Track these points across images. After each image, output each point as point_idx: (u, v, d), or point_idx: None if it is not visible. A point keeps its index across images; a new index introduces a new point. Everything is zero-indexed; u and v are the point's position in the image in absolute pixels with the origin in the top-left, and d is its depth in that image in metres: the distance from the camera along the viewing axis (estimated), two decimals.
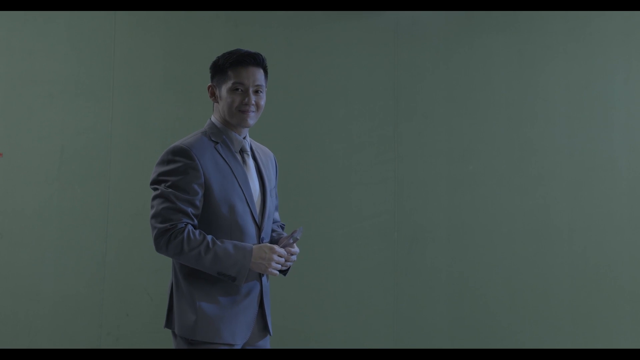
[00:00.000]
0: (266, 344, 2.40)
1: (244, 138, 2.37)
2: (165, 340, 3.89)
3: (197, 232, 2.19)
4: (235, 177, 2.28)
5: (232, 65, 2.29)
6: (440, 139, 4.03)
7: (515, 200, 3.98)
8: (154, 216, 2.20)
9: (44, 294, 3.90)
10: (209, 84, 2.37)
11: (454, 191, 4.01)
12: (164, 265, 3.95)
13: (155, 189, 2.23)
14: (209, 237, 2.19)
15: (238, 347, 2.25)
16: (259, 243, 2.32)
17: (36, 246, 3.91)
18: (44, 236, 3.92)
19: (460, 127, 4.03)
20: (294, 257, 2.33)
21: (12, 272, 3.89)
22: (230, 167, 2.28)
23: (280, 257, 2.25)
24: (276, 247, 2.25)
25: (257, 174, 2.39)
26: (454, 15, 4.06)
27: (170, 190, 2.18)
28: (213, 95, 2.35)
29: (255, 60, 2.32)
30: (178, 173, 2.20)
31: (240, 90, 2.29)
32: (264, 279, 2.35)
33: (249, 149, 2.38)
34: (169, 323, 2.27)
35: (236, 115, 2.29)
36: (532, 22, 4.04)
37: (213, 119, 2.37)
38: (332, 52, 4.06)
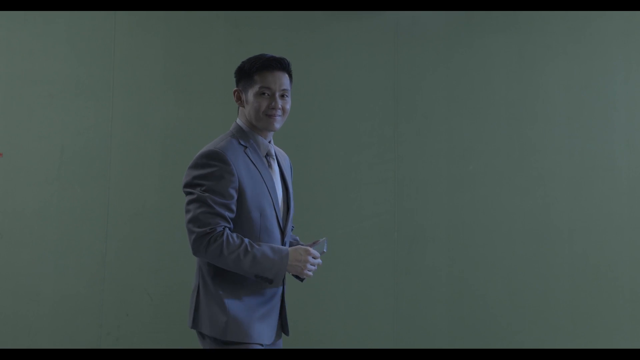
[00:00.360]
0: (280, 344, 2.44)
1: (269, 142, 2.39)
2: (166, 340, 3.90)
3: (234, 235, 2.21)
4: (264, 182, 2.31)
5: (258, 69, 2.31)
6: (440, 139, 4.03)
7: (515, 200, 3.98)
8: (191, 220, 2.20)
9: (44, 294, 3.90)
10: (235, 88, 2.37)
11: (454, 191, 4.01)
12: (164, 265, 3.95)
13: (190, 193, 2.24)
14: (247, 241, 2.21)
15: (266, 347, 2.29)
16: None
17: (36, 246, 3.91)
18: (44, 236, 3.92)
19: (460, 127, 4.03)
20: (315, 267, 2.36)
21: (12, 272, 3.89)
22: (259, 171, 2.31)
23: (315, 258, 2.28)
24: (311, 249, 2.27)
25: (280, 178, 2.42)
26: (454, 15, 4.06)
27: (206, 194, 2.20)
28: (239, 99, 2.36)
29: (280, 64, 2.33)
30: (214, 177, 2.21)
31: (266, 94, 2.31)
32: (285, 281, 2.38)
33: (273, 153, 2.41)
34: (195, 323, 2.28)
35: (263, 120, 2.31)
36: (532, 22, 4.04)
37: (239, 122, 2.38)
38: (332, 52, 4.06)
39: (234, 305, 2.24)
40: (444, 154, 4.02)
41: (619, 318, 3.91)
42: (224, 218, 2.21)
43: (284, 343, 3.92)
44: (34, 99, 3.97)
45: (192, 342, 3.91)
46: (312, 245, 2.37)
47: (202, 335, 2.28)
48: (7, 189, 3.92)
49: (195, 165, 2.25)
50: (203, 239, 2.18)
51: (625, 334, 3.91)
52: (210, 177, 2.21)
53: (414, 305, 3.96)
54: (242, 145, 2.31)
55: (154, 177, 3.98)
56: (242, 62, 2.36)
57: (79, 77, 3.99)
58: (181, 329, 3.92)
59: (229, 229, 2.23)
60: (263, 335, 2.26)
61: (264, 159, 2.36)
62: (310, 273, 2.28)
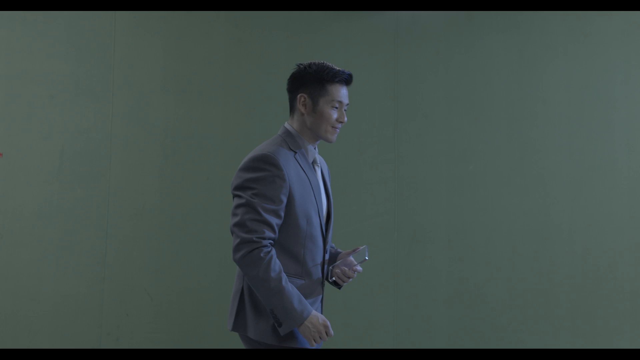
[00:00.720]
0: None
1: (315, 149, 2.39)
2: (166, 340, 3.89)
3: (277, 262, 2.16)
4: (312, 189, 2.30)
5: (331, 81, 2.31)
6: (440, 139, 4.03)
7: (515, 200, 3.98)
8: (237, 225, 2.17)
9: (44, 294, 3.90)
10: (301, 93, 2.33)
11: (454, 191, 4.01)
12: (164, 265, 3.95)
13: (239, 196, 2.21)
14: (284, 275, 2.17)
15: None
16: (324, 255, 2.35)
17: (36, 246, 3.91)
18: (44, 236, 3.92)
19: (460, 127, 4.03)
20: (355, 275, 2.37)
21: (12, 272, 3.89)
22: (308, 178, 2.30)
23: (328, 335, 2.23)
24: (329, 325, 2.23)
25: (323, 186, 2.42)
26: (454, 15, 4.06)
27: (256, 199, 2.17)
28: (304, 105, 2.33)
29: (350, 80, 2.36)
30: (265, 182, 2.18)
31: (336, 107, 2.32)
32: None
33: (318, 160, 2.41)
34: (238, 326, 2.26)
35: (328, 131, 2.32)
36: (532, 23, 4.04)
37: (289, 127, 2.36)
38: (332, 52, 4.06)
39: None
40: (444, 154, 4.02)
41: (619, 318, 3.91)
42: (271, 226, 2.17)
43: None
44: (34, 99, 3.97)
45: (192, 342, 3.92)
46: (353, 252, 2.37)
47: (244, 338, 2.27)
48: (7, 189, 3.92)
49: (247, 168, 2.22)
50: (245, 246, 2.15)
51: (625, 334, 3.91)
52: (261, 182, 2.18)
53: (414, 305, 3.96)
54: (292, 150, 2.29)
55: (154, 177, 3.98)
56: (305, 66, 2.34)
57: (79, 77, 3.99)
58: (181, 329, 3.93)
59: (272, 242, 2.20)
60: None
61: (312, 166, 2.36)
62: (314, 343, 2.22)
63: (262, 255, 2.14)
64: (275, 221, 2.18)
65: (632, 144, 3.97)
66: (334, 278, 2.39)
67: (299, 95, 2.33)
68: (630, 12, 3.99)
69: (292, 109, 2.37)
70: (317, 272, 2.33)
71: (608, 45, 4.02)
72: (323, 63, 2.32)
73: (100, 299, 3.92)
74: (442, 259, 3.98)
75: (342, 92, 2.32)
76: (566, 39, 4.03)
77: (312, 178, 2.31)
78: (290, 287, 2.17)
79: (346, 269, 2.36)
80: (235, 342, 3.92)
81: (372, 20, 4.08)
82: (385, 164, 4.01)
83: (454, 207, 4.00)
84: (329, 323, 2.22)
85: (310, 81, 2.31)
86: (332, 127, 2.32)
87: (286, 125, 2.37)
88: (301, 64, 2.36)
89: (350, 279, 2.37)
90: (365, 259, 2.32)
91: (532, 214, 3.97)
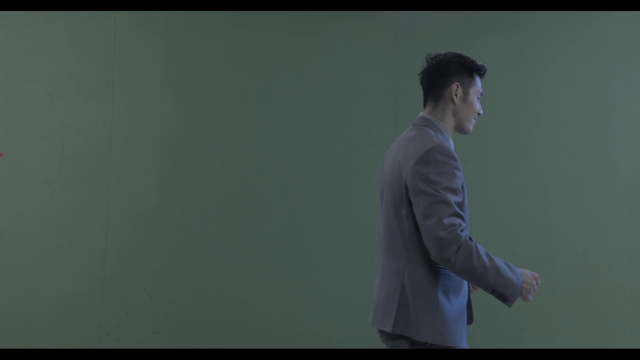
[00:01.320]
0: None
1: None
2: (165, 340, 3.90)
3: (479, 245, 2.13)
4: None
5: (478, 72, 2.33)
6: None
7: (515, 200, 3.99)
8: (435, 225, 2.09)
9: (44, 294, 3.90)
10: (455, 81, 2.30)
11: None
12: (164, 265, 3.96)
13: (425, 193, 2.13)
14: (489, 253, 2.15)
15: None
16: None
17: (36, 246, 3.91)
18: (44, 236, 3.92)
19: None
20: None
21: (12, 272, 3.89)
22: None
23: (537, 283, 2.21)
24: (537, 275, 2.20)
25: None
26: (454, 15, 4.06)
27: (444, 193, 2.10)
28: (457, 95, 2.30)
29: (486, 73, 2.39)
30: (448, 175, 2.13)
31: (479, 98, 2.35)
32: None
33: None
34: (400, 327, 2.18)
35: (471, 122, 2.34)
36: (532, 22, 4.05)
37: (431, 117, 2.32)
38: (332, 52, 4.07)
39: (451, 310, 2.17)
40: None
41: (618, 317, 3.92)
42: (462, 217, 2.12)
43: (281, 343, 3.93)
44: (34, 99, 3.97)
45: (192, 342, 3.92)
46: None
47: (408, 340, 2.19)
48: (7, 189, 3.93)
49: (427, 162, 2.14)
50: (452, 245, 2.06)
51: (625, 334, 3.92)
52: (445, 175, 2.12)
53: None
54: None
55: (154, 177, 3.99)
56: (451, 55, 2.32)
57: (79, 77, 4.00)
58: (181, 329, 3.93)
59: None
60: (464, 338, 2.23)
61: None
62: (531, 298, 2.19)
63: (468, 246, 2.07)
64: (462, 213, 2.14)
65: (632, 143, 3.98)
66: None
67: (453, 84, 2.29)
68: (630, 12, 4.00)
69: (439, 97, 2.31)
70: None
71: (608, 45, 4.03)
72: (462, 54, 2.32)
73: (100, 299, 3.92)
74: None
75: (482, 84, 2.36)
76: (566, 39, 4.04)
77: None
78: (498, 261, 2.12)
79: None
80: (235, 341, 3.93)
81: (372, 20, 4.08)
82: None
83: None
84: (536, 274, 2.19)
85: (462, 71, 2.29)
86: (474, 118, 2.33)
87: (426, 115, 2.32)
88: (440, 54, 2.33)
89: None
90: None
91: (532, 214, 3.98)
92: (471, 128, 2.35)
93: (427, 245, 2.12)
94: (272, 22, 4.06)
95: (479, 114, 2.33)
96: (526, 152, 4.01)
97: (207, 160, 4.00)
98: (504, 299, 2.13)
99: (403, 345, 2.19)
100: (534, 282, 2.17)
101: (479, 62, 2.33)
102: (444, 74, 2.29)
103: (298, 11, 4.03)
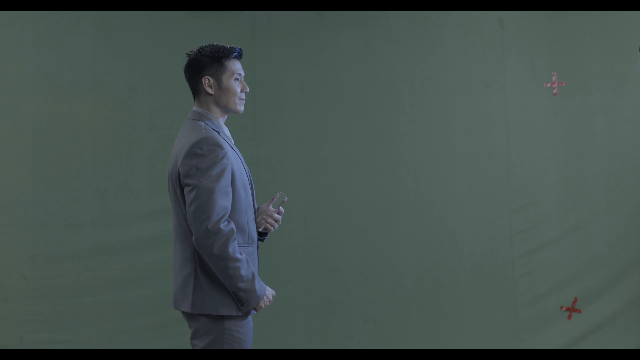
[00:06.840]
0: None
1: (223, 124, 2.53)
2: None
3: (237, 246, 2.31)
4: (240, 160, 2.45)
5: (227, 57, 2.45)
6: (295, 126, 4.31)
7: (364, 182, 4.29)
8: (196, 212, 2.25)
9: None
10: (203, 76, 2.44)
11: (309, 175, 4.29)
12: (39, 252, 4.11)
13: (188, 184, 2.29)
14: (244, 255, 2.33)
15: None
16: (256, 218, 2.52)
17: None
18: None
19: (313, 115, 4.32)
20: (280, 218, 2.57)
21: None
22: (235, 151, 2.45)
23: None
24: (274, 294, 2.45)
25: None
26: (306, 14, 4.32)
27: (210, 184, 2.26)
28: (210, 86, 2.44)
29: (242, 54, 2.52)
30: (215, 164, 2.28)
31: (238, 80, 2.48)
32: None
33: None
34: (198, 307, 2.35)
35: (237, 103, 2.47)
36: (377, 20, 4.35)
37: (199, 109, 2.47)
38: (193, 48, 4.26)
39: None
40: (299, 141, 4.30)
41: (460, 286, 4.24)
42: (226, 208, 2.28)
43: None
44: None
45: (67, 322, 4.02)
46: (271, 202, 2.59)
47: (207, 317, 2.35)
48: None
49: (193, 155, 2.29)
50: (210, 234, 2.25)
51: (467, 300, 4.22)
52: (212, 165, 2.27)
53: (273, 279, 4.21)
54: (215, 130, 2.40)
55: (28, 169, 4.12)
56: (196, 52, 2.47)
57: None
58: (57, 310, 4.06)
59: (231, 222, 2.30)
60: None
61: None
62: (263, 307, 2.40)
63: (228, 239, 2.26)
64: (229, 201, 2.30)
65: (468, 128, 4.32)
66: (261, 227, 2.56)
67: (204, 78, 2.44)
68: (465, 12, 4.31)
69: (198, 92, 2.46)
70: (256, 236, 2.50)
71: (446, 39, 4.36)
72: (213, 44, 2.46)
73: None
74: (299, 237, 4.26)
75: (239, 66, 2.47)
76: (408, 34, 4.36)
77: (235, 149, 2.47)
78: (251, 266, 2.34)
79: (276, 217, 2.56)
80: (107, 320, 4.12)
81: (230, 19, 4.30)
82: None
83: (308, 189, 4.28)
84: (274, 292, 2.45)
85: (210, 62, 2.43)
86: (240, 99, 2.46)
87: (196, 109, 2.47)
88: (190, 52, 2.48)
89: (278, 224, 2.56)
90: (284, 200, 2.56)
91: (380, 194, 4.29)
92: (241, 108, 2.49)
93: (192, 232, 2.29)
94: (136, 21, 4.24)
95: (245, 92, 2.48)
96: (374, 138, 4.31)
97: (77, 151, 4.18)
98: (240, 302, 2.34)
99: (203, 321, 2.37)
100: (270, 301, 2.43)
101: (229, 46, 2.48)
102: (194, 71, 2.47)
103: (161, 11, 4.22)
